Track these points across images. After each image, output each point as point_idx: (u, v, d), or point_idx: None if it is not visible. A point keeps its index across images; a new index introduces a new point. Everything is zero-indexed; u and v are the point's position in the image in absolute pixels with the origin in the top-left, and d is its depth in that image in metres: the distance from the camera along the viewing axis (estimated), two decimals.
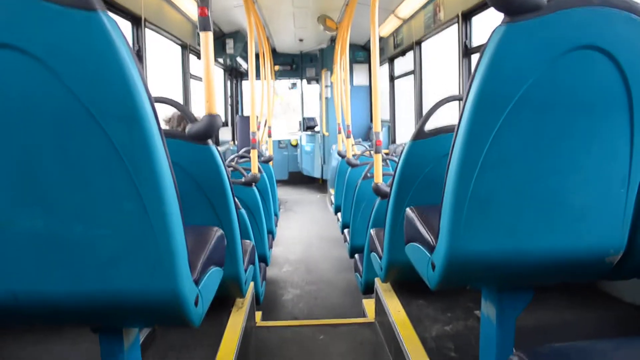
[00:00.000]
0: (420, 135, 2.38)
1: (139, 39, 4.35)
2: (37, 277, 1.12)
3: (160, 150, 1.08)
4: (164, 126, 3.59)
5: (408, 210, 1.82)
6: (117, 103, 1.02)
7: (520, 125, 1.26)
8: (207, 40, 2.13)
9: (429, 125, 2.43)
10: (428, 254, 1.53)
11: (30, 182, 1.06)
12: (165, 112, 2.55)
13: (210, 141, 2.03)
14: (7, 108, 1.01)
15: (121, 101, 1.02)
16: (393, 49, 7.66)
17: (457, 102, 3.27)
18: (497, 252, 1.37)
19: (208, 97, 2.12)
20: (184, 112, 2.08)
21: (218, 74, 9.22)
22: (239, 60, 8.91)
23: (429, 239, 1.56)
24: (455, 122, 1.34)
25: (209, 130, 1.99)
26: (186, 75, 6.08)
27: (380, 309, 2.75)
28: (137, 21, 4.30)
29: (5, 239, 1.09)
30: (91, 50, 0.99)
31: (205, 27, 2.11)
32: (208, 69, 2.15)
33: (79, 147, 1.04)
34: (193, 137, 1.99)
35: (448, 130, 2.36)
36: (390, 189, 2.51)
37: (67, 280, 1.12)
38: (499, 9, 1.20)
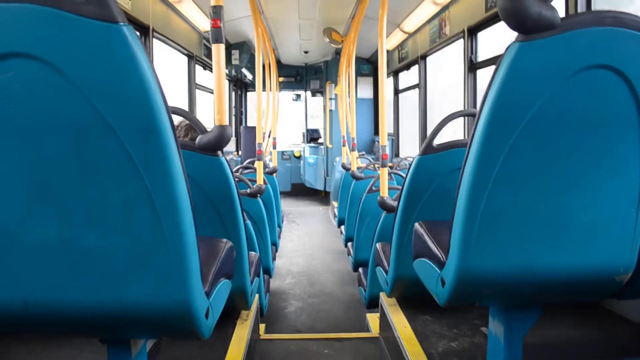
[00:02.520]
0: (428, 150, 2.38)
1: (146, 48, 4.38)
2: (49, 285, 1.11)
3: (176, 162, 1.08)
4: None
5: (417, 225, 1.82)
6: (136, 114, 1.02)
7: (532, 142, 1.26)
8: (218, 51, 2.13)
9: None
10: (438, 270, 1.52)
11: (45, 191, 1.07)
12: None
13: (220, 152, 2.02)
14: (26, 117, 1.02)
15: (139, 113, 1.02)
16: (398, 63, 7.70)
17: (463, 117, 3.28)
18: (508, 269, 1.37)
19: (219, 108, 2.12)
20: (194, 123, 2.08)
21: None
22: (244, 71, 8.95)
23: (439, 254, 1.55)
24: (458, 137, 1.34)
25: (219, 141, 1.99)
26: (192, 85, 6.11)
27: (385, 323, 2.73)
28: (145, 31, 4.34)
29: (19, 247, 1.09)
30: (112, 62, 0.99)
31: (217, 39, 2.11)
32: (219, 81, 2.15)
33: (96, 156, 1.05)
34: (203, 148, 1.99)
35: (456, 146, 2.37)
36: (398, 203, 2.51)
37: (78, 290, 1.12)
38: (513, 27, 1.21)
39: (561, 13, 1.25)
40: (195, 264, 1.16)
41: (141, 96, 1.01)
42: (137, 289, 1.13)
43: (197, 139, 2.00)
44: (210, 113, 6.96)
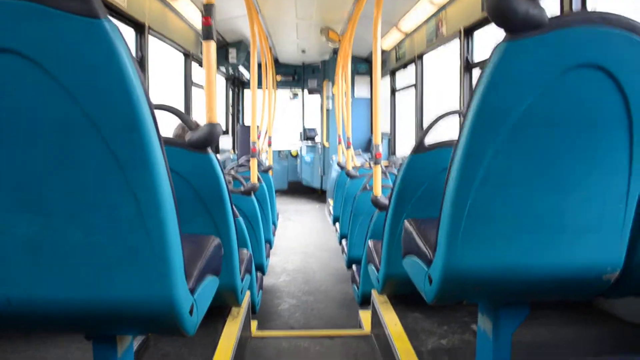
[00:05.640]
0: (420, 149, 2.39)
1: (142, 46, 4.37)
2: (32, 283, 1.11)
3: (159, 158, 1.08)
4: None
5: (406, 222, 1.82)
6: (117, 111, 1.02)
7: (519, 142, 1.26)
8: (209, 49, 2.14)
9: (430, 139, 2.44)
10: (425, 268, 1.52)
11: (27, 188, 1.06)
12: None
13: (209, 150, 2.03)
14: (7, 113, 1.02)
15: (121, 109, 1.02)
16: (395, 62, 7.70)
17: (458, 116, 3.28)
18: (495, 267, 1.37)
19: (209, 105, 2.13)
20: (184, 120, 2.08)
21: (220, 82, 9.26)
22: (241, 69, 8.94)
23: (427, 252, 1.55)
24: (456, 136, 1.34)
25: (209, 138, 1.99)
26: (188, 83, 6.10)
27: (376, 321, 2.74)
28: (140, 28, 4.32)
29: (1, 244, 1.09)
30: (93, 58, 0.99)
31: (208, 36, 2.13)
32: (210, 78, 2.16)
33: (78, 153, 1.05)
34: (193, 146, 1.99)
35: (448, 145, 2.37)
36: (389, 202, 2.51)
37: (61, 287, 1.11)
38: (500, 25, 1.20)
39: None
40: (179, 260, 1.16)
41: (122, 92, 1.01)
42: (119, 286, 1.13)
43: (187, 136, 2.00)
44: None
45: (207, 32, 2.13)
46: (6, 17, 0.97)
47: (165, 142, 1.16)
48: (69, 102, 1.00)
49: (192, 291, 1.27)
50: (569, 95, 1.24)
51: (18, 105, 1.01)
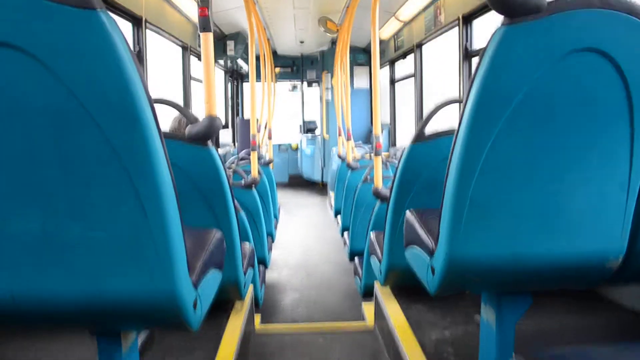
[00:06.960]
0: (420, 138, 2.37)
1: (139, 39, 4.34)
2: (35, 278, 1.11)
3: (160, 152, 1.07)
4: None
5: (408, 212, 1.81)
6: (116, 103, 1.01)
7: (519, 128, 1.25)
8: (207, 41, 2.12)
9: (430, 129, 2.43)
10: (427, 258, 1.52)
11: (27, 183, 1.05)
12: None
13: (209, 143, 2.02)
14: (4, 107, 1.00)
15: (120, 102, 1.01)
16: (394, 52, 7.67)
17: (458, 105, 3.26)
18: (497, 257, 1.36)
19: (208, 98, 2.11)
20: (183, 114, 2.07)
21: (218, 75, 9.23)
22: (240, 61, 8.91)
23: (429, 242, 1.54)
24: (456, 125, 1.33)
25: (209, 131, 1.98)
26: (186, 77, 6.08)
27: (379, 313, 2.74)
28: (137, 22, 4.30)
29: (2, 240, 1.08)
30: (90, 50, 0.98)
31: (205, 28, 2.11)
32: (208, 70, 2.14)
33: (77, 147, 1.03)
34: (192, 139, 1.98)
35: (448, 134, 2.36)
36: (390, 192, 2.50)
37: (64, 282, 1.11)
38: (498, 10, 1.19)
39: None
40: (181, 254, 1.15)
41: (120, 84, 1.00)
42: (122, 280, 1.12)
43: (187, 130, 1.99)
44: None
45: (204, 24, 2.11)
46: (1, 10, 0.96)
47: (165, 136, 1.15)
48: (66, 95, 0.99)
49: (196, 285, 1.26)
50: (568, 80, 1.22)
51: (15, 99, 1.00)
